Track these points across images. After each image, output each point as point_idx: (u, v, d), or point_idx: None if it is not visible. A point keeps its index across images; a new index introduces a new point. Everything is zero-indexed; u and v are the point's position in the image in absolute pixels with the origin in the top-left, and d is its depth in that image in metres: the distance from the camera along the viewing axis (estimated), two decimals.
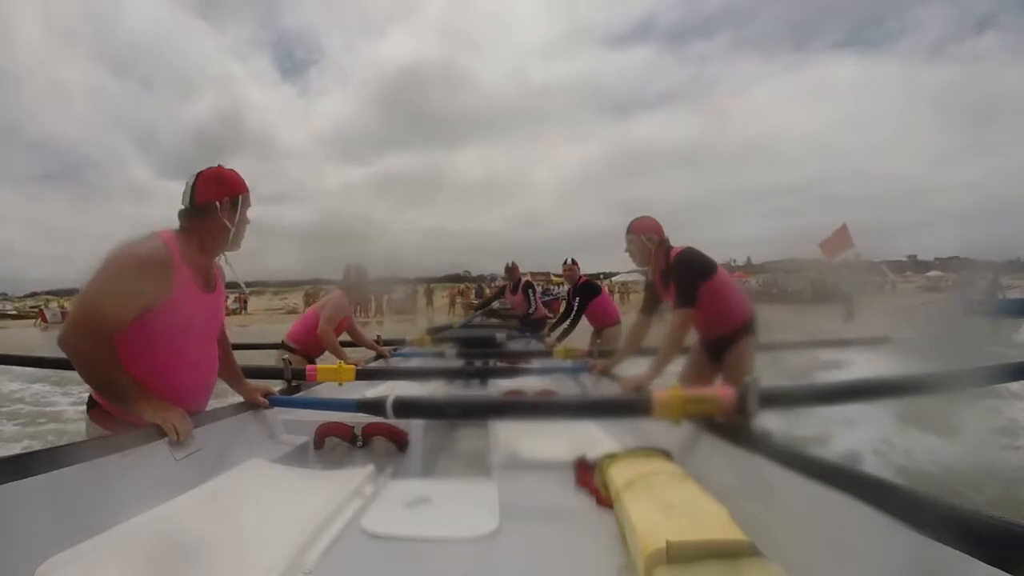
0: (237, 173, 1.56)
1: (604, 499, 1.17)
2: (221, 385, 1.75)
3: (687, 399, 1.39)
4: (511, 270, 5.69)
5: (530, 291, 5.46)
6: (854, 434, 3.55)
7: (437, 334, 4.54)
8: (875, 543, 0.82)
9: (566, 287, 5.05)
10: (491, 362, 3.42)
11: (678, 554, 0.77)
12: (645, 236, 2.44)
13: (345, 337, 3.67)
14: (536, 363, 3.29)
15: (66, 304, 27.04)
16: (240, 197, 1.54)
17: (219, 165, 1.57)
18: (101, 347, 1.29)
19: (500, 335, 4.21)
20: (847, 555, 0.84)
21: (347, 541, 1.01)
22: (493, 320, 6.40)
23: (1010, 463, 3.27)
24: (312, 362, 3.28)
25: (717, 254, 2.49)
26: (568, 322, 4.80)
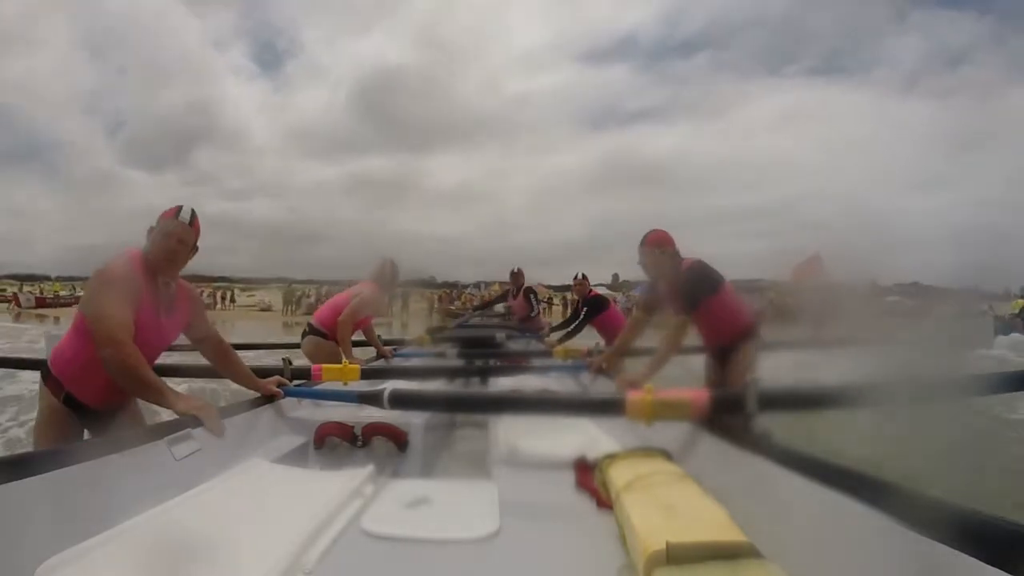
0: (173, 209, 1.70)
1: (604, 500, 1.17)
2: (225, 384, 1.75)
3: (657, 402, 1.38)
4: (515, 275, 5.82)
5: (532, 296, 5.66)
6: None
7: (438, 334, 4.55)
8: (875, 543, 0.82)
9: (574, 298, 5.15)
10: (491, 362, 3.42)
11: (678, 555, 0.77)
12: (659, 249, 2.49)
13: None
14: (536, 363, 3.29)
15: (44, 289, 27.89)
16: (160, 220, 1.67)
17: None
18: (129, 352, 1.44)
19: (500, 335, 4.22)
20: (847, 555, 0.84)
21: (347, 541, 1.01)
22: (493, 320, 6.44)
23: None
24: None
25: None
26: (572, 327, 4.80)
